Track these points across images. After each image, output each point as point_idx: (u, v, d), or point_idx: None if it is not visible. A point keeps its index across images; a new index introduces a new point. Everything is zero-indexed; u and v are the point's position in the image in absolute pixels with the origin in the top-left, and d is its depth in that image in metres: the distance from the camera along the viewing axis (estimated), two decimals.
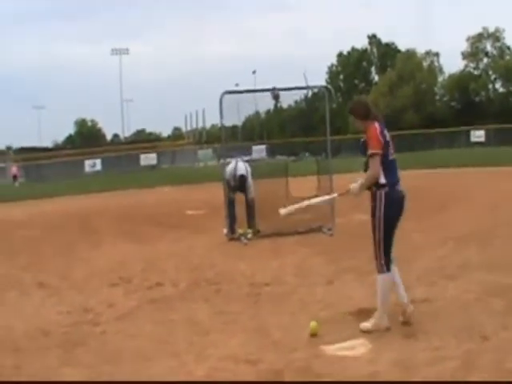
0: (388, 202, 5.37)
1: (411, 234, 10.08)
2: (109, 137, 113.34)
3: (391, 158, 5.44)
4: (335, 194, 6.11)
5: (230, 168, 11.59)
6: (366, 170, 5.46)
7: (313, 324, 5.40)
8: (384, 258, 5.39)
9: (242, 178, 11.46)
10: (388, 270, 5.41)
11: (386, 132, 5.46)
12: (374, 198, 5.42)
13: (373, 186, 5.40)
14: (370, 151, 5.34)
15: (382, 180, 5.38)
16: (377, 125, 5.41)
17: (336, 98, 78.50)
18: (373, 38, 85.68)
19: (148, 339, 5.67)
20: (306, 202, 5.84)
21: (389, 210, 5.37)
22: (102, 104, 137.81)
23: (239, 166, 11.63)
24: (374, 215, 5.41)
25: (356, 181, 5.52)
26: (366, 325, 5.39)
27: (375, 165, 5.33)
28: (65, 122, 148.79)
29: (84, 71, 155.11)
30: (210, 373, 4.72)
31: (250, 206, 11.62)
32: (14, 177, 47.71)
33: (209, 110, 68.03)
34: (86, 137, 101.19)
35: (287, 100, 17.80)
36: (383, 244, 5.39)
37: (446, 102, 77.98)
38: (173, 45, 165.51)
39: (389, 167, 5.41)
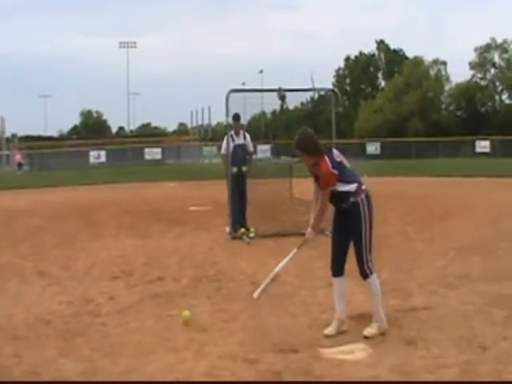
0: (369, 202, 5.44)
1: (414, 242, 10.13)
2: (114, 129, 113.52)
3: (348, 168, 5.50)
4: (295, 250, 5.73)
5: (224, 144, 11.53)
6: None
7: (185, 313, 5.79)
8: (370, 258, 5.44)
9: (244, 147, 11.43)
10: (373, 270, 5.46)
11: (336, 156, 5.45)
12: (351, 211, 5.38)
13: (343, 203, 5.38)
14: (322, 187, 5.33)
15: (352, 188, 5.40)
16: (327, 159, 5.37)
17: (342, 102, 78.52)
18: (381, 44, 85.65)
19: (148, 334, 5.68)
20: (271, 274, 5.67)
21: (371, 210, 5.44)
22: (109, 96, 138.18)
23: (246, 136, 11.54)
24: (356, 225, 5.37)
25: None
26: (370, 330, 5.40)
27: (325, 199, 5.35)
28: (71, 112, 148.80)
29: (92, 63, 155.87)
30: (208, 371, 4.72)
31: (243, 202, 11.41)
32: (19, 164, 47.62)
33: (215, 108, 67.96)
34: (91, 128, 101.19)
35: (293, 101, 17.73)
36: (370, 246, 5.44)
37: (452, 111, 78.00)
38: (181, 40, 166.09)
39: (348, 175, 5.44)
